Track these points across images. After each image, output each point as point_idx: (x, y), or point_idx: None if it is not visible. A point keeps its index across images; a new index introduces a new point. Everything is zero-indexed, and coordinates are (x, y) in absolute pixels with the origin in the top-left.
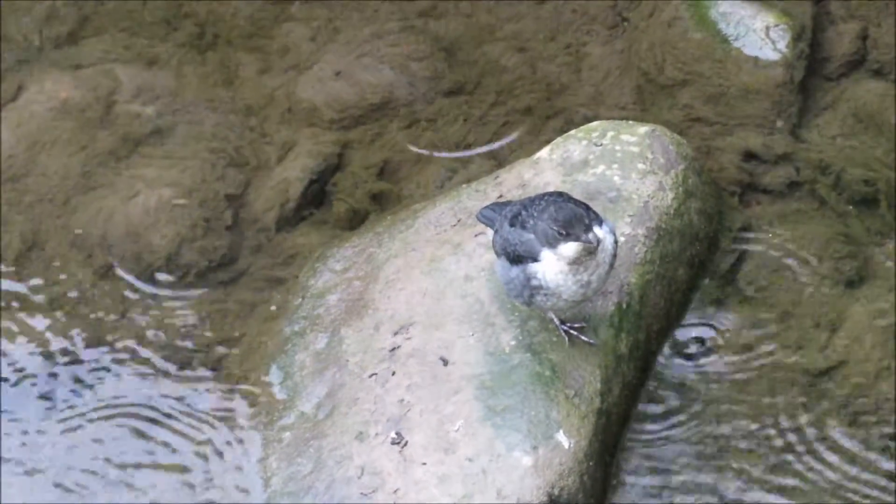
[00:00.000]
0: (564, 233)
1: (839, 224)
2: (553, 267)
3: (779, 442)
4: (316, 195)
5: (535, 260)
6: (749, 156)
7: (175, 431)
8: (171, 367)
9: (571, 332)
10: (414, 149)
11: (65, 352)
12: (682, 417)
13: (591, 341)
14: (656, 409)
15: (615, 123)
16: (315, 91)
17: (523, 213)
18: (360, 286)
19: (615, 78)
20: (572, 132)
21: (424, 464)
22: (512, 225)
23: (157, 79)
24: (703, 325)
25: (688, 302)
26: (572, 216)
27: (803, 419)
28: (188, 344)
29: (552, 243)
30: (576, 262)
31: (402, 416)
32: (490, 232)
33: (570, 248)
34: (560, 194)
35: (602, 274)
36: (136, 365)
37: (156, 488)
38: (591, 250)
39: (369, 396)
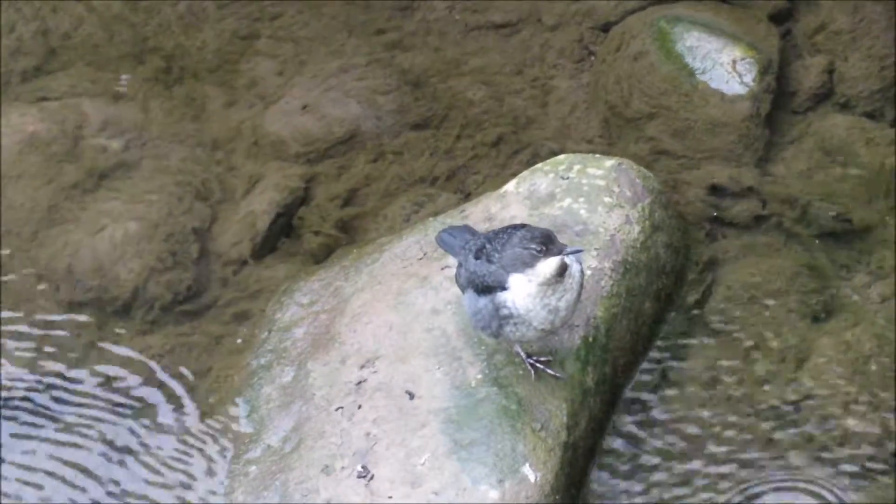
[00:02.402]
0: (544, 248)
1: (806, 257)
2: (523, 291)
3: (746, 476)
4: (283, 228)
5: (504, 288)
6: (715, 189)
7: (141, 465)
8: (138, 401)
9: (538, 365)
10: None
11: (30, 385)
12: (648, 450)
13: (558, 375)
14: (623, 442)
15: (582, 157)
16: (282, 125)
17: (488, 245)
18: (327, 319)
19: (582, 111)
20: (539, 165)
21: (391, 497)
22: (477, 258)
23: (124, 113)
24: (670, 358)
25: (654, 335)
26: (547, 233)
27: (770, 453)
28: (155, 377)
29: (529, 263)
30: (552, 281)
31: (368, 449)
32: (453, 260)
33: (550, 264)
34: (524, 226)
35: (570, 301)
36: (102, 398)
37: None
38: (563, 269)
39: (335, 430)
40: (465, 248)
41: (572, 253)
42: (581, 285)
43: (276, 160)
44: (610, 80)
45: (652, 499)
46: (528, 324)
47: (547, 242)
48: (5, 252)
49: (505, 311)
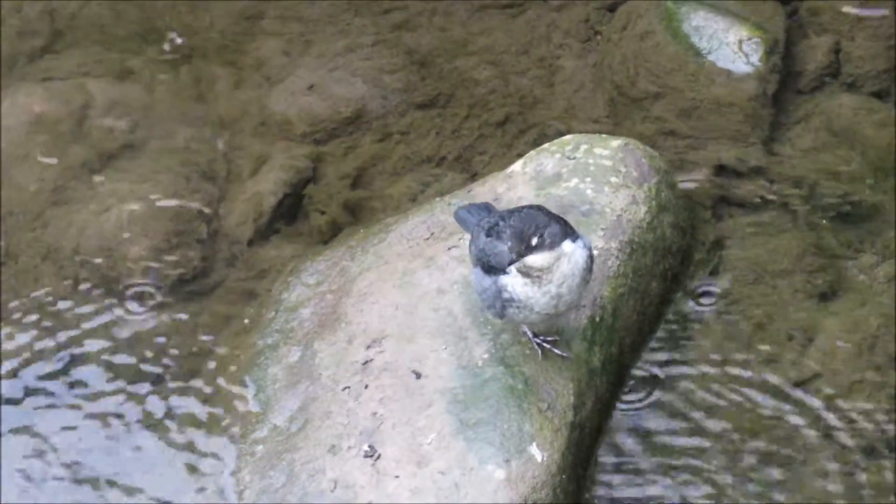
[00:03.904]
0: (508, 247)
1: (812, 237)
2: (519, 280)
3: (753, 456)
4: (289, 209)
5: (506, 272)
6: (722, 169)
7: (147, 446)
8: (144, 381)
9: (544, 344)
10: None
11: (37, 365)
12: (655, 430)
13: (565, 354)
14: (629, 422)
15: (588, 137)
16: (288, 104)
17: (500, 223)
18: (333, 300)
19: (588, 91)
20: (545, 146)
21: (397, 477)
22: (488, 235)
23: (130, 93)
24: (677, 338)
25: (661, 315)
26: (517, 233)
27: (776, 433)
28: (161, 357)
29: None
30: (527, 276)
31: (374, 429)
32: (464, 242)
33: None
34: (539, 207)
35: (573, 286)
36: (108, 378)
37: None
38: (533, 269)
39: (342, 410)
40: (479, 225)
41: (503, 263)
42: (589, 270)
43: (283, 140)
44: (616, 59)
45: (658, 479)
46: (529, 308)
47: (512, 242)
48: (11, 232)
49: (506, 295)
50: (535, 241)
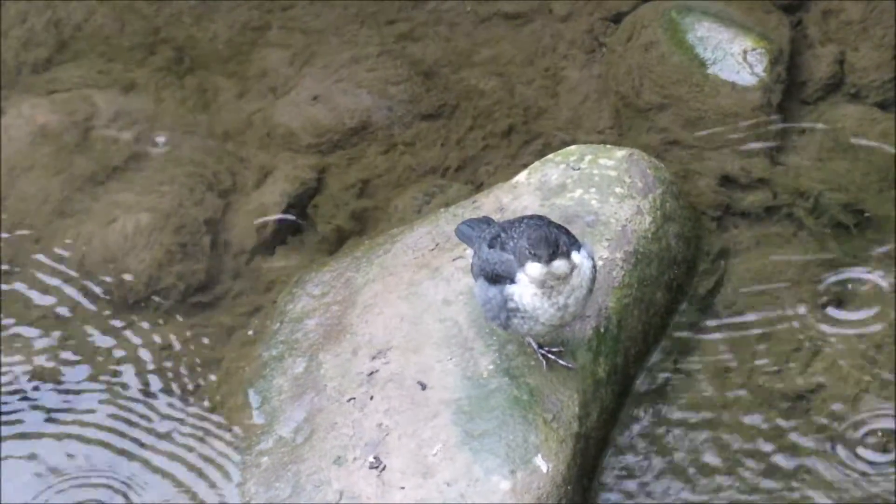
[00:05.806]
0: (532, 253)
1: (817, 248)
2: (528, 289)
3: (758, 466)
4: (294, 220)
5: (513, 281)
6: (727, 179)
7: (152, 457)
8: (149, 392)
9: (549, 355)
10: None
11: (42, 376)
12: (660, 441)
13: (570, 365)
14: (634, 432)
15: (593, 147)
16: (293, 115)
17: (503, 234)
18: (338, 311)
19: (593, 102)
20: (550, 156)
21: (403, 488)
22: (491, 247)
23: (135, 104)
24: (682, 348)
25: (666, 326)
26: (542, 239)
27: (781, 443)
28: (166, 368)
29: (522, 262)
30: (541, 285)
31: (380, 440)
32: (469, 251)
33: (533, 269)
34: (540, 218)
35: (579, 297)
36: (113, 389)
37: None
38: (554, 276)
39: (347, 421)
40: (480, 237)
41: (545, 271)
42: (593, 280)
43: (288, 151)
44: (621, 70)
45: (664, 488)
46: (535, 319)
47: (536, 248)
48: (16, 243)
49: (512, 305)
50: (561, 247)
